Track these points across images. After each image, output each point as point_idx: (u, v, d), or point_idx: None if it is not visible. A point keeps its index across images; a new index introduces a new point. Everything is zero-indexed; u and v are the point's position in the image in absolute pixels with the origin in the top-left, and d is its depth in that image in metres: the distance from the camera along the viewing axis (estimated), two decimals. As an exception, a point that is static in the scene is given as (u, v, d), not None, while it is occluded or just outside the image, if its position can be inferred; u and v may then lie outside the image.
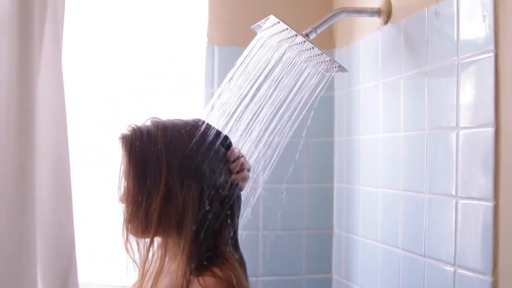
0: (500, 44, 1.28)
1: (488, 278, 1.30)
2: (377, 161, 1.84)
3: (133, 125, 1.34)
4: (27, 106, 1.17)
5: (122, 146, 1.33)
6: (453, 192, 1.43)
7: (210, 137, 1.33)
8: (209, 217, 1.29)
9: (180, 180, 1.28)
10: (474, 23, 1.37)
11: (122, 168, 1.33)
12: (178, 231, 1.29)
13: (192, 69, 2.17)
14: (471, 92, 1.39)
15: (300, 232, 2.21)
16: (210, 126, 1.35)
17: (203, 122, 1.35)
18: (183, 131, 1.31)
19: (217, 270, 1.24)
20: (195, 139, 1.30)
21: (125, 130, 1.34)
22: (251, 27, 1.68)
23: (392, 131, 1.75)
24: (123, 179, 1.32)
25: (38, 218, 1.20)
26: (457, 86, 1.42)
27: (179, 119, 1.36)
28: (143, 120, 1.37)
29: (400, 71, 1.69)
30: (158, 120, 1.35)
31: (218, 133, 1.35)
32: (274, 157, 1.58)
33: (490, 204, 1.30)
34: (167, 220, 1.28)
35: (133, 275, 1.52)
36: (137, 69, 2.14)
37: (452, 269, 1.43)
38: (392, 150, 1.75)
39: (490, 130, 1.30)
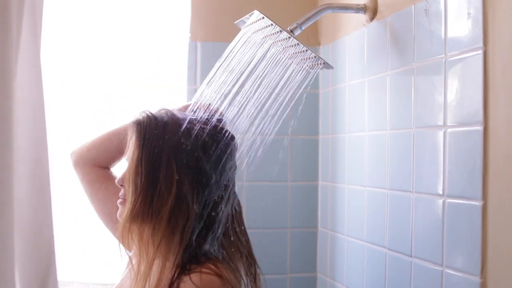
0: (489, 41, 1.26)
1: (477, 279, 1.28)
2: (362, 160, 1.82)
3: (148, 112, 1.33)
4: (4, 103, 1.13)
5: (135, 132, 1.32)
6: (440, 192, 1.41)
7: (226, 145, 1.33)
8: (211, 218, 1.29)
9: (191, 186, 1.27)
10: (462, 20, 1.35)
11: (131, 152, 1.32)
12: (181, 232, 1.27)
13: (175, 66, 2.14)
14: (459, 90, 1.37)
15: (284, 230, 2.18)
16: (225, 128, 1.36)
17: (220, 121, 1.36)
18: (200, 133, 1.31)
19: (213, 267, 1.22)
20: (210, 145, 1.31)
21: (139, 116, 1.33)
22: (235, 22, 1.65)
23: (377, 129, 1.72)
24: (132, 164, 1.30)
25: (16, 218, 1.16)
26: (444, 84, 1.40)
27: (193, 116, 1.35)
28: (156, 108, 1.36)
29: (386, 68, 1.67)
30: (174, 113, 1.33)
31: (232, 137, 1.37)
32: (258, 154, 1.56)
33: (478, 203, 1.28)
34: (174, 222, 1.27)
35: (118, 273, 1.49)
36: (120, 69, 2.10)
37: (440, 269, 1.41)
38: (378, 148, 1.73)
39: (479, 128, 1.28)
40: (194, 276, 1.20)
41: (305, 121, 2.17)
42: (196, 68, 2.11)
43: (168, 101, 2.09)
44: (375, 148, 1.75)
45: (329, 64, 1.62)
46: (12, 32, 1.14)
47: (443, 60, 1.40)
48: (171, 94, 2.12)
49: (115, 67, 2.09)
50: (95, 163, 1.59)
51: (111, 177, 1.57)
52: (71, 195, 1.97)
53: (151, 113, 1.33)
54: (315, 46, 2.18)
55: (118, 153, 1.55)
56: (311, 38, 2.19)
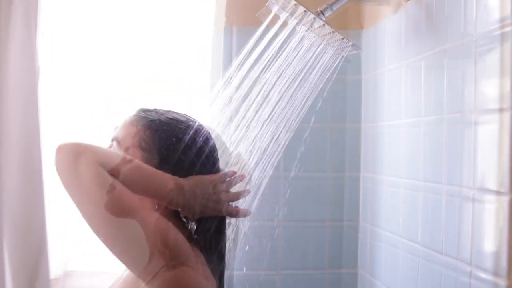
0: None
1: (503, 282, 1.16)
2: (398, 149, 1.71)
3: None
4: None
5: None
6: (471, 184, 1.29)
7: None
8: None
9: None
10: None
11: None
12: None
13: (209, 54, 2.07)
14: (488, 73, 1.24)
15: (323, 223, 2.08)
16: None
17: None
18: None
19: (179, 273, 1.14)
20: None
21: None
22: (266, 4, 1.58)
23: (412, 116, 1.61)
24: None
25: (6, 210, 1.14)
26: (475, 67, 1.27)
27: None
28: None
29: (420, 52, 1.55)
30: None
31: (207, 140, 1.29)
32: (293, 144, 1.50)
33: (506, 198, 1.16)
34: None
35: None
36: (147, 68, 2.06)
37: (469, 269, 1.29)
38: (413, 137, 1.61)
39: (508, 115, 1.15)
40: (155, 280, 1.14)
41: (348, 108, 2.06)
42: (231, 52, 2.04)
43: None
44: (410, 137, 1.63)
45: (357, 46, 1.53)
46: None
47: (474, 39, 1.28)
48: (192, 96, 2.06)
49: (142, 69, 2.05)
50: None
51: None
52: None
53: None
54: (357, 29, 2.07)
55: None
56: (354, 22, 2.07)
